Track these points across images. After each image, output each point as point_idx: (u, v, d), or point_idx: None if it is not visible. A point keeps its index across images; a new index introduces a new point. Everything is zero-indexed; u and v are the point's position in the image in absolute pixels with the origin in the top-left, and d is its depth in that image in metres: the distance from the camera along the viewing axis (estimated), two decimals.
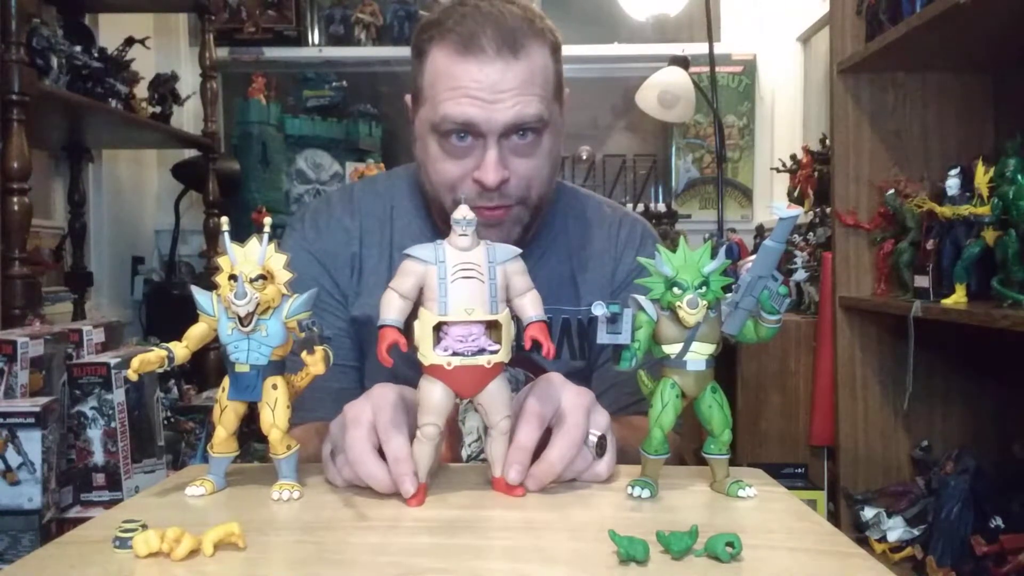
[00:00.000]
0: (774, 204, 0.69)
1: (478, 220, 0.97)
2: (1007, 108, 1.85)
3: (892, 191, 1.80)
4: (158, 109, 2.57)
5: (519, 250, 0.77)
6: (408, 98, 1.10)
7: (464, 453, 1.03)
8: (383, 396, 0.78)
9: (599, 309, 0.72)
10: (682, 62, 2.86)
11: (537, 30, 1.00)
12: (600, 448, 0.80)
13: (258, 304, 0.73)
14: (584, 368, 1.15)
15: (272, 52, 3.33)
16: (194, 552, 0.61)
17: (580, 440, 0.78)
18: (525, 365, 1.09)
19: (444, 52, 0.98)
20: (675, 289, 0.71)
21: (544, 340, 0.74)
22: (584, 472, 0.79)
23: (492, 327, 0.75)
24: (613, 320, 0.72)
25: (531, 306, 0.76)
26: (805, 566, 0.61)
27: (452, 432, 1.02)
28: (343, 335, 1.11)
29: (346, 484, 0.79)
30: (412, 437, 0.76)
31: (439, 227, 1.12)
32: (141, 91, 2.50)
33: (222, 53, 3.15)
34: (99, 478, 1.25)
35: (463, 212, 0.75)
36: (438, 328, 0.74)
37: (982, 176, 1.45)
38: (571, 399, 0.79)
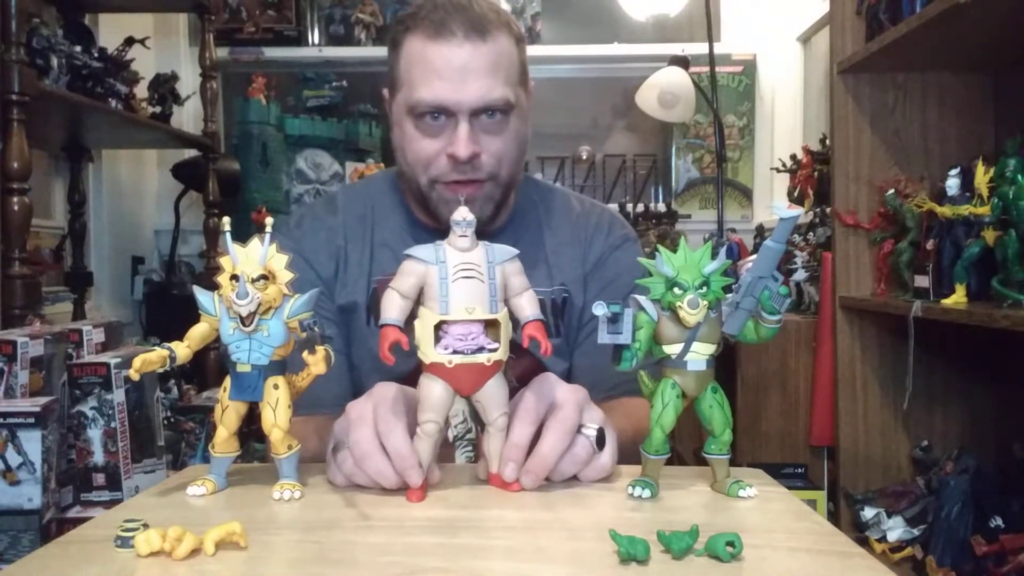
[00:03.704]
0: (774, 204, 0.69)
1: (452, 199, 1.03)
2: (1007, 108, 1.85)
3: (892, 191, 1.80)
4: (158, 109, 2.57)
5: (517, 251, 0.78)
6: (385, 91, 1.16)
7: (450, 434, 1.04)
8: (383, 393, 0.79)
9: (600, 309, 0.72)
10: (682, 62, 2.86)
11: (503, 21, 1.08)
12: (599, 441, 0.80)
13: (260, 304, 0.73)
14: (561, 344, 1.18)
15: (272, 52, 3.33)
16: (195, 551, 0.61)
17: (571, 430, 0.78)
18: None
19: (418, 39, 1.06)
20: (676, 289, 0.71)
21: (542, 339, 0.75)
22: (588, 465, 0.80)
23: (490, 326, 0.76)
24: (614, 320, 0.72)
25: (528, 305, 0.77)
26: (805, 566, 0.61)
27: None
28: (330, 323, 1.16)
29: (346, 481, 0.79)
30: (412, 434, 0.76)
31: (416, 217, 1.18)
32: (141, 91, 2.50)
33: (222, 53, 3.15)
34: (99, 478, 1.25)
35: (463, 214, 0.75)
36: (438, 327, 0.75)
37: (982, 176, 1.46)
38: (563, 395, 0.80)
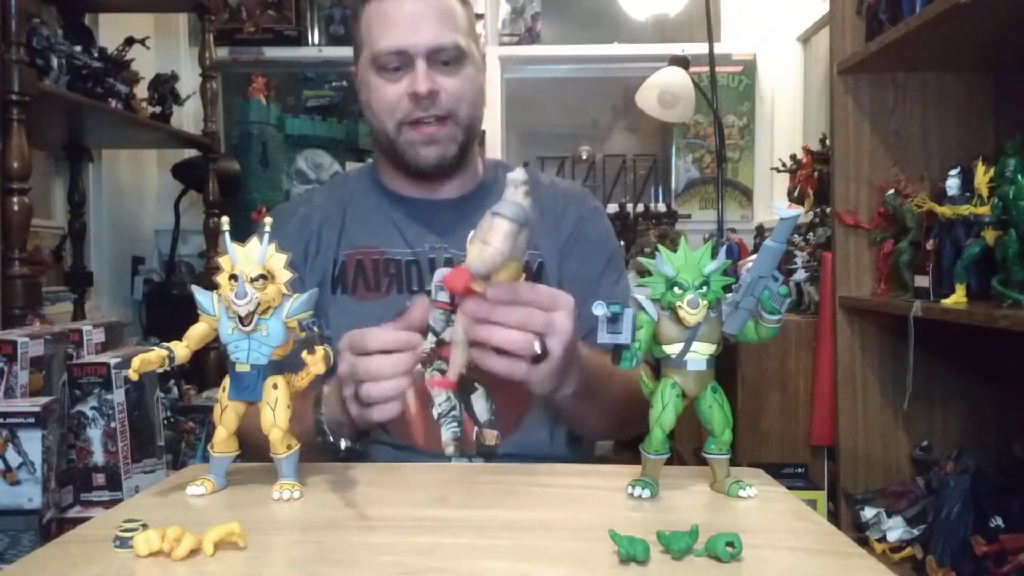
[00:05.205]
0: (774, 204, 0.69)
1: (418, 139, 1.17)
2: (1007, 108, 1.85)
3: (892, 191, 1.79)
4: (158, 109, 2.57)
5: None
6: (353, 68, 1.26)
7: (435, 412, 1.08)
8: (352, 332, 0.90)
9: (600, 309, 0.72)
10: (682, 62, 2.86)
11: None
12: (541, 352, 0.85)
13: (259, 304, 0.73)
14: None
15: (272, 52, 3.32)
16: (194, 552, 0.61)
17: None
18: None
19: (374, 2, 1.18)
20: (676, 289, 0.71)
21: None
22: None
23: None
24: (614, 320, 0.72)
25: None
26: (805, 565, 0.61)
27: (423, 394, 1.07)
28: None
29: (367, 396, 0.87)
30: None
31: (388, 189, 1.27)
32: (141, 91, 2.49)
33: (222, 53, 3.15)
34: (99, 478, 1.25)
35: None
36: None
37: (982, 176, 1.45)
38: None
